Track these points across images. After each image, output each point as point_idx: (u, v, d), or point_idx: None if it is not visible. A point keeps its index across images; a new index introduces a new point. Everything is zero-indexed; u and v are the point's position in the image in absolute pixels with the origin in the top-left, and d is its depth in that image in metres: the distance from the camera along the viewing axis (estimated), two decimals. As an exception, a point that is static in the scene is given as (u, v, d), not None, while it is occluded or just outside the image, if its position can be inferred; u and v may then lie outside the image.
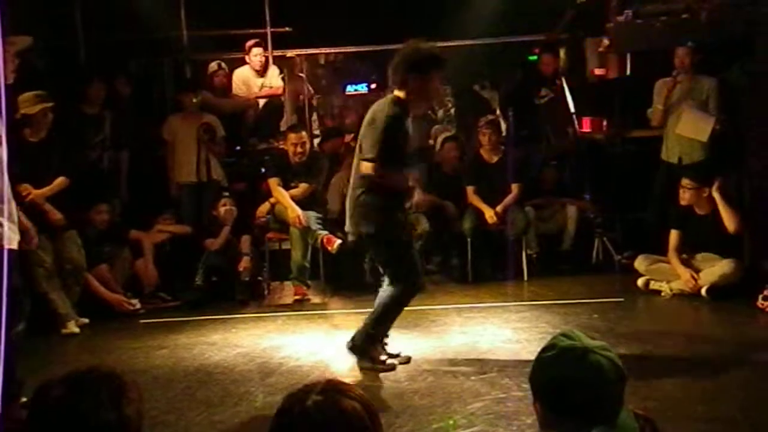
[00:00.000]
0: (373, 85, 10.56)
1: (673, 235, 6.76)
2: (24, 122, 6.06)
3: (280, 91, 8.80)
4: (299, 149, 7.41)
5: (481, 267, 7.62)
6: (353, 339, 5.08)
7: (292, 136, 7.50)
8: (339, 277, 7.58)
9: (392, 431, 3.98)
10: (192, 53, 9.22)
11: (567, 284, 7.21)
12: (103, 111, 7.66)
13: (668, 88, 7.39)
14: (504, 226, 7.57)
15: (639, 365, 4.80)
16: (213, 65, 8.79)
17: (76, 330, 6.23)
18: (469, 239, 7.57)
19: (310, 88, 9.64)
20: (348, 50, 10.17)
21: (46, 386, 1.82)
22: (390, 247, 5.00)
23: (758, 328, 5.83)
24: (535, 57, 9.04)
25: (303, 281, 7.17)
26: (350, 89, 11.06)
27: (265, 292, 7.37)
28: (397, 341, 5.30)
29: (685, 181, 6.74)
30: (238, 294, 7.17)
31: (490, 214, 7.53)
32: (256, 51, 8.61)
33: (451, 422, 4.10)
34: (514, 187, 7.68)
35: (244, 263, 7.22)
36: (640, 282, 6.84)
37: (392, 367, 5.03)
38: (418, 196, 5.45)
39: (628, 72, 8.79)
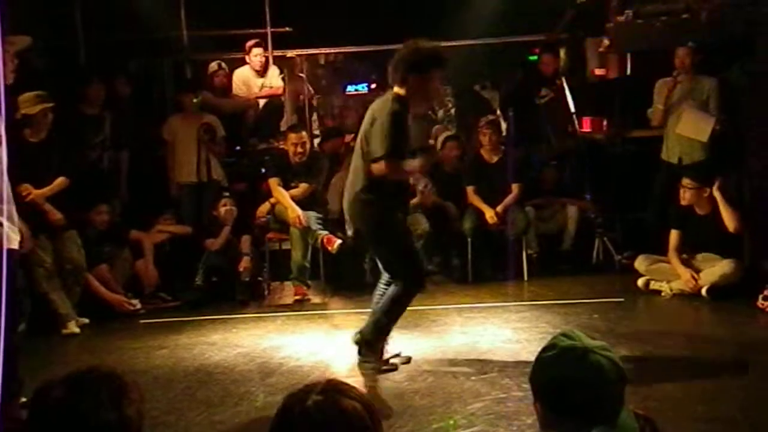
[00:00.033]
0: (373, 85, 10.55)
1: (673, 235, 6.76)
2: (24, 122, 6.06)
3: (280, 91, 8.80)
4: (299, 149, 7.41)
5: (481, 267, 7.62)
6: (361, 332, 5.06)
7: (292, 136, 7.50)
8: (339, 277, 7.58)
9: (392, 431, 3.98)
10: (192, 53, 9.22)
11: (567, 284, 7.21)
12: (103, 111, 7.66)
13: (668, 88, 7.39)
14: (504, 226, 7.58)
15: (639, 365, 4.80)
16: (213, 65, 8.79)
17: (77, 330, 6.23)
18: (469, 239, 7.58)
19: (310, 88, 9.64)
20: (348, 50, 10.17)
21: (47, 386, 1.82)
22: (390, 243, 4.99)
23: (758, 328, 5.83)
24: (535, 57, 9.04)
25: (303, 281, 7.17)
26: (350, 89, 11.06)
27: (266, 292, 7.37)
28: (397, 341, 5.30)
29: (685, 181, 6.74)
30: (238, 294, 7.17)
31: (490, 214, 7.53)
32: (257, 51, 8.61)
33: (451, 422, 4.11)
34: (515, 187, 7.68)
35: (245, 263, 7.22)
36: (640, 282, 6.84)
37: (395, 367, 5.03)
38: (422, 185, 5.40)
39: (629, 72, 8.78)
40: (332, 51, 10.45)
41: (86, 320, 6.41)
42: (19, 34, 4.83)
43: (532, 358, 2.01)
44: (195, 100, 7.96)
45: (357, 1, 9.43)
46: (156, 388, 4.79)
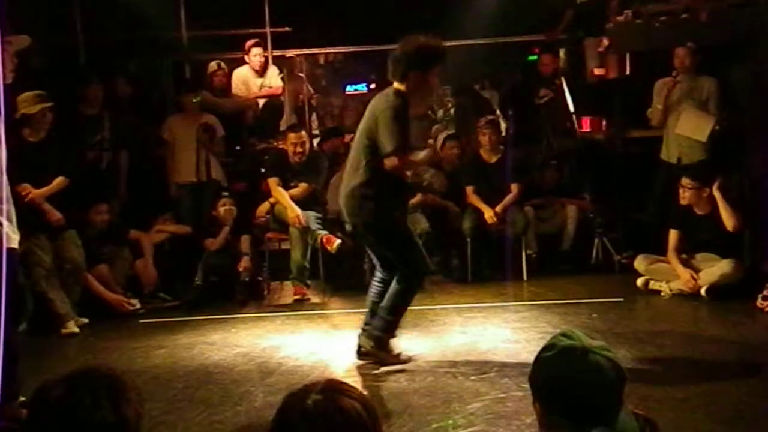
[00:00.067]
0: (373, 85, 10.55)
1: (673, 235, 6.75)
2: (23, 122, 6.06)
3: (279, 91, 8.80)
4: (299, 149, 7.42)
5: (480, 267, 7.62)
6: (369, 335, 5.07)
7: (291, 136, 7.50)
8: (339, 277, 7.57)
9: (392, 431, 3.98)
10: (191, 53, 9.22)
11: (566, 284, 7.21)
12: (102, 111, 7.66)
13: (668, 88, 7.40)
14: (503, 226, 7.57)
15: (638, 365, 4.81)
16: (212, 65, 8.78)
17: (76, 330, 6.23)
18: (468, 239, 7.58)
19: (310, 88, 9.64)
20: (347, 50, 10.17)
21: (46, 386, 1.82)
22: (387, 236, 4.99)
23: (758, 328, 5.82)
24: (534, 57, 9.05)
25: (303, 281, 7.17)
26: (350, 89, 11.06)
27: (265, 292, 7.37)
28: (397, 341, 5.29)
29: (685, 181, 6.74)
30: (237, 294, 7.17)
31: (489, 214, 7.53)
32: (256, 51, 8.61)
33: (450, 422, 4.10)
34: (514, 187, 7.68)
35: (244, 263, 7.21)
36: (639, 282, 6.85)
37: (407, 360, 5.05)
38: (430, 174, 5.40)
39: (628, 72, 8.78)
40: (332, 51, 10.45)
41: (85, 320, 6.41)
42: (19, 34, 4.84)
43: (532, 358, 2.00)
44: (195, 100, 7.96)
45: (356, 1, 9.43)
46: (155, 388, 4.79)
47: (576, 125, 8.26)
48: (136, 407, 1.82)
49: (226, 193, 7.60)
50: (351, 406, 1.65)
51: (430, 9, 8.94)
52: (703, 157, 7.32)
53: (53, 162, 6.30)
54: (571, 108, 8.17)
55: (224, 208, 7.40)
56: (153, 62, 9.62)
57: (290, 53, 9.35)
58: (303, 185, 7.39)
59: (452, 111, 10.25)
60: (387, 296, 5.03)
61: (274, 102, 8.84)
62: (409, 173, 4.97)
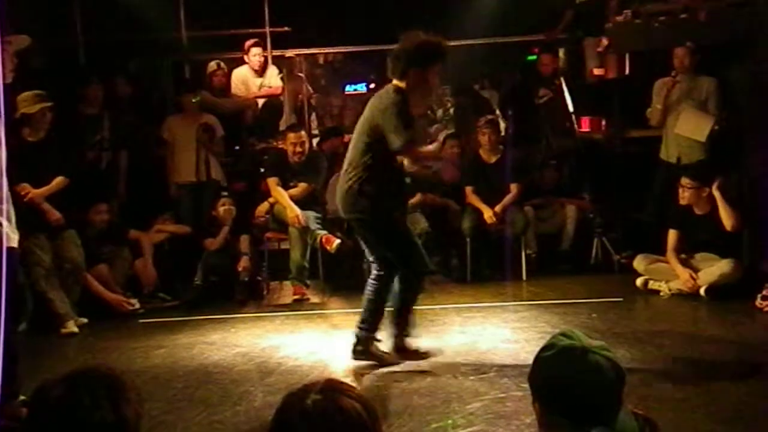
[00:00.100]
0: (372, 85, 10.54)
1: (672, 235, 6.76)
2: (23, 122, 6.06)
3: (279, 91, 8.80)
4: (298, 149, 7.42)
5: (480, 267, 7.62)
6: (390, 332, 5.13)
7: (291, 136, 7.50)
8: (338, 277, 7.57)
9: (392, 431, 3.98)
10: (191, 53, 9.22)
11: (566, 284, 7.21)
12: (102, 111, 7.66)
13: (667, 88, 7.40)
14: (503, 226, 7.57)
15: (639, 365, 4.80)
16: (212, 65, 8.78)
17: (75, 330, 6.23)
18: (468, 239, 7.58)
19: (309, 88, 9.64)
20: (347, 50, 10.16)
21: (45, 386, 1.82)
22: (388, 236, 4.99)
23: (757, 327, 5.82)
24: (534, 57, 9.04)
25: (302, 281, 7.17)
26: (349, 89, 11.05)
27: (264, 291, 7.37)
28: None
29: (684, 181, 6.74)
30: (237, 294, 7.17)
31: (489, 214, 7.53)
32: (255, 51, 8.61)
33: (450, 422, 4.10)
34: (513, 187, 7.68)
35: (243, 263, 7.22)
36: (639, 282, 6.85)
37: (425, 355, 5.13)
38: (438, 165, 5.41)
39: (627, 72, 8.79)
40: (331, 51, 10.44)
41: (85, 320, 6.41)
42: (19, 34, 4.84)
43: (531, 358, 2.01)
44: (194, 100, 7.96)
45: (356, 1, 9.42)
46: (155, 388, 4.79)
47: (575, 125, 8.27)
48: (135, 407, 1.82)
49: (225, 193, 7.60)
50: (351, 406, 1.65)
51: (430, 9, 8.93)
52: (702, 156, 7.32)
53: (53, 162, 6.30)
54: (571, 108, 8.17)
55: (224, 208, 7.40)
56: (153, 62, 9.63)
57: (290, 53, 9.34)
58: (302, 185, 7.39)
59: (452, 111, 10.25)
60: (392, 300, 5.05)
61: (273, 102, 8.84)
62: (418, 167, 4.97)
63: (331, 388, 1.69)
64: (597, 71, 9.06)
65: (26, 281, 5.85)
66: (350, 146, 5.10)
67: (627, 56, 8.70)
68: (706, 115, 7.30)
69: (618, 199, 7.99)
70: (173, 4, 8.86)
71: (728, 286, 6.40)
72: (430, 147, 5.02)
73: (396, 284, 5.03)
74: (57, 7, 8.75)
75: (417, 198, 7.53)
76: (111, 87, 7.93)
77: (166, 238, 7.56)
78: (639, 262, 6.90)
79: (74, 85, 7.69)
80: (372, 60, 9.75)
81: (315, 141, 9.00)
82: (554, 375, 1.93)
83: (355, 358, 5.11)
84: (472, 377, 4.79)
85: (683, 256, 6.72)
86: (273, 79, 8.73)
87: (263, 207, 7.51)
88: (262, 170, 7.93)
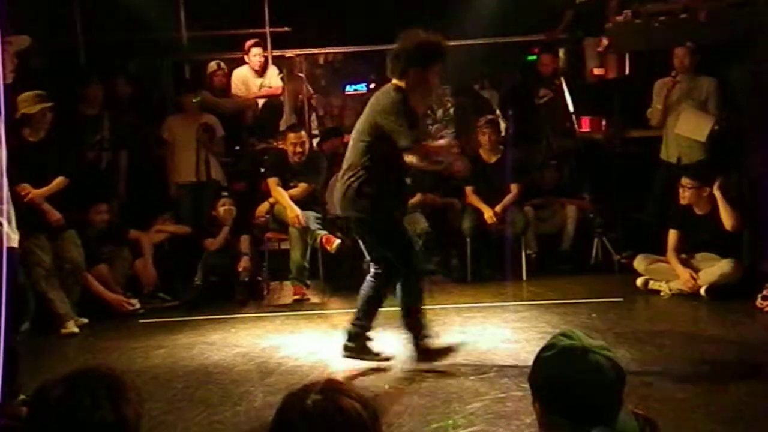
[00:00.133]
0: (372, 85, 10.53)
1: (672, 235, 6.76)
2: (23, 122, 6.06)
3: (279, 91, 8.80)
4: (298, 149, 7.42)
5: (480, 267, 7.62)
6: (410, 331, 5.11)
7: (291, 136, 7.50)
8: (338, 277, 7.57)
9: (392, 431, 3.98)
10: (191, 53, 9.22)
11: (566, 284, 7.21)
12: (102, 111, 7.66)
13: (667, 88, 7.40)
14: (503, 226, 7.58)
15: (639, 365, 4.80)
16: (212, 65, 8.78)
17: (76, 330, 6.23)
18: (468, 239, 7.58)
19: (309, 88, 9.64)
20: (347, 50, 10.16)
21: (46, 386, 1.82)
22: (388, 237, 4.99)
23: (757, 327, 5.83)
24: (534, 57, 9.04)
25: (302, 281, 7.17)
26: (349, 89, 11.04)
27: (265, 292, 7.37)
28: (397, 341, 5.30)
29: (685, 181, 6.74)
30: (237, 294, 7.17)
31: (489, 214, 7.53)
32: (256, 51, 8.61)
33: (450, 422, 4.11)
34: (513, 187, 7.68)
35: (244, 263, 7.22)
36: (639, 282, 6.85)
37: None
38: (449, 159, 5.41)
39: (627, 72, 8.79)
40: (331, 51, 10.43)
41: (85, 320, 6.41)
42: (19, 34, 4.84)
43: (531, 358, 2.01)
44: (194, 100, 7.96)
45: (356, 1, 9.42)
46: (155, 388, 4.79)
47: (575, 125, 8.27)
48: (135, 407, 1.82)
49: (225, 193, 7.60)
50: (351, 406, 1.65)
51: (430, 9, 8.93)
52: (702, 156, 7.32)
53: (53, 162, 6.30)
54: (571, 108, 8.18)
55: (224, 208, 7.40)
56: (153, 62, 9.63)
57: (290, 53, 9.34)
58: (302, 185, 7.40)
59: (452, 111, 10.23)
60: (400, 305, 5.06)
61: (273, 102, 8.84)
62: (427, 163, 4.95)
63: (331, 388, 1.69)
64: (597, 71, 9.06)
65: (27, 281, 5.84)
66: (349, 146, 5.09)
67: (627, 56, 8.70)
68: (706, 115, 7.30)
69: (618, 199, 7.99)
70: (173, 4, 8.86)
71: (728, 286, 6.40)
72: (441, 142, 4.99)
73: (398, 290, 5.02)
74: (57, 7, 8.75)
75: (417, 198, 7.53)
76: (111, 87, 7.93)
77: (166, 238, 7.57)
78: (639, 262, 6.90)
79: (74, 85, 7.68)
80: (372, 60, 9.74)
81: (315, 141, 8.99)
82: (554, 375, 1.93)
83: (346, 356, 5.10)
84: (472, 377, 4.79)
85: (683, 256, 6.72)
86: (273, 79, 8.73)
87: (263, 207, 7.51)
88: (263, 170, 7.94)
